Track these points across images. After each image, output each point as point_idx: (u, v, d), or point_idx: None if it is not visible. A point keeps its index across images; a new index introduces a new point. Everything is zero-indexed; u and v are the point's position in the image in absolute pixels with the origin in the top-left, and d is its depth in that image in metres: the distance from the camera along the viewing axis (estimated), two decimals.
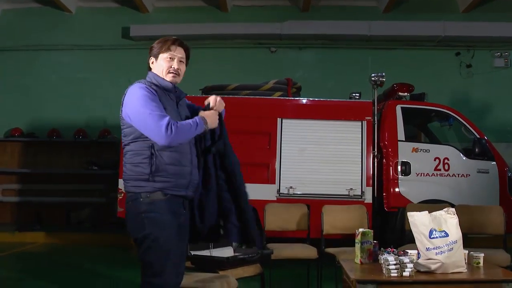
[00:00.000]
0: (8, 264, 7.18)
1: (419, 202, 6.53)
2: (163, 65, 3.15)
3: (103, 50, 10.40)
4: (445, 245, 3.42)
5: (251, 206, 3.37)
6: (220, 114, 3.26)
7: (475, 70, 10.03)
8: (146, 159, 2.99)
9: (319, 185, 6.80)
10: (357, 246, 3.88)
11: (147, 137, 2.97)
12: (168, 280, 2.97)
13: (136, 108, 2.98)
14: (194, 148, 3.19)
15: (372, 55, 9.75)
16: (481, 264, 3.72)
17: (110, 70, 10.25)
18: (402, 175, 6.80)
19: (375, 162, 6.84)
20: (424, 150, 6.93)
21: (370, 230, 3.95)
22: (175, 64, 3.15)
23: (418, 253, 3.57)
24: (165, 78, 3.15)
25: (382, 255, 3.51)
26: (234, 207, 3.27)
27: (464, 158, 6.93)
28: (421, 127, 8.16)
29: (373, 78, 6.94)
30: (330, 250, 5.29)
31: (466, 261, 3.63)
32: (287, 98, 7.23)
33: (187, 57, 3.26)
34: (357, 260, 3.86)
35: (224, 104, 3.31)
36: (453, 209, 3.57)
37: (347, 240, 5.21)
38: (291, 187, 6.81)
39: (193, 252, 4.00)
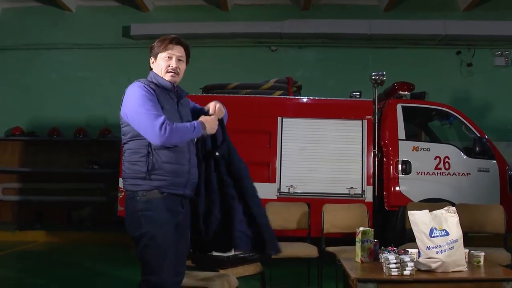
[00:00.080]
0: (9, 263, 7.19)
1: (420, 201, 6.52)
2: (162, 65, 3.16)
3: (103, 49, 10.40)
4: (445, 244, 3.42)
5: (264, 210, 3.32)
6: (221, 120, 3.26)
7: (475, 69, 10.02)
8: (143, 158, 3.00)
9: (320, 184, 6.80)
10: (358, 245, 3.88)
11: None
12: (166, 278, 2.97)
13: (133, 107, 3.00)
14: (193, 147, 3.19)
15: (372, 54, 9.75)
16: (482, 263, 3.73)
17: (110, 69, 10.25)
18: (402, 174, 6.80)
19: (376, 161, 6.83)
20: (424, 149, 6.92)
21: (370, 229, 3.94)
22: (173, 63, 3.15)
23: (419, 252, 3.57)
24: (164, 77, 3.16)
25: (382, 254, 3.51)
26: (243, 213, 3.20)
27: (464, 157, 6.92)
28: (422, 126, 8.16)
29: (373, 77, 6.93)
30: (331, 249, 5.29)
31: (467, 260, 3.63)
32: (287, 97, 7.22)
33: (187, 55, 3.25)
34: (358, 259, 3.86)
35: (224, 111, 3.30)
36: (454, 208, 3.57)
37: (348, 239, 5.22)
38: (291, 186, 6.81)
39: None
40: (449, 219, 3.49)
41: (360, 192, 6.76)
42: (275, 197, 6.68)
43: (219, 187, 3.21)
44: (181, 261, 3.20)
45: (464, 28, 9.80)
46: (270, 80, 7.40)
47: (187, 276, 3.43)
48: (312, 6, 10.29)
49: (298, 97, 7.32)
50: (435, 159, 6.85)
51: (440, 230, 3.45)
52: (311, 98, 7.21)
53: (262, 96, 7.17)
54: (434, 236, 3.44)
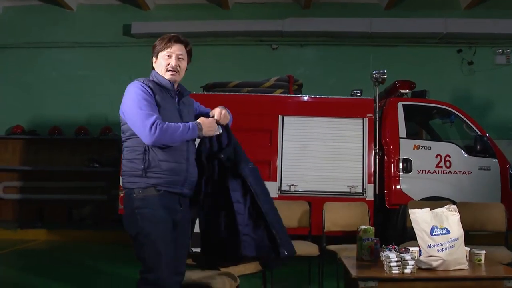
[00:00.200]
0: (10, 261, 7.19)
1: (421, 199, 6.52)
2: (162, 63, 3.17)
3: (104, 47, 10.39)
4: (446, 242, 3.42)
5: (275, 208, 3.27)
6: (227, 125, 3.26)
7: (476, 67, 10.01)
8: (140, 155, 3.01)
9: (321, 182, 6.80)
10: (359, 243, 3.89)
11: None
12: (164, 276, 2.97)
13: (129, 106, 3.03)
14: (193, 146, 3.19)
15: (373, 52, 9.75)
16: (483, 261, 3.73)
17: (111, 68, 10.25)
18: (403, 172, 6.79)
19: (377, 159, 6.83)
20: (425, 147, 6.92)
21: (371, 227, 3.95)
22: (172, 62, 3.15)
23: (420, 250, 3.57)
24: (164, 76, 3.16)
25: (383, 252, 3.51)
26: (248, 216, 3.15)
27: (465, 155, 6.92)
28: (423, 124, 8.15)
29: (374, 75, 6.93)
30: (332, 247, 5.29)
31: (468, 258, 3.63)
32: (288, 95, 7.22)
33: (188, 53, 3.25)
34: (359, 257, 3.86)
35: (229, 118, 3.29)
36: (455, 206, 3.57)
37: (349, 237, 5.23)
38: (292, 184, 6.81)
39: (194, 250, 4.00)
40: (450, 217, 3.49)
41: (361, 191, 6.76)
42: (276, 196, 6.67)
43: (224, 191, 3.17)
44: (180, 260, 3.20)
45: (465, 26, 9.78)
46: (271, 78, 7.39)
47: (188, 274, 3.43)
48: (313, 4, 10.28)
49: (299, 95, 7.32)
50: (436, 157, 6.85)
51: (441, 229, 3.45)
52: (312, 96, 7.20)
53: (263, 94, 7.16)
54: (435, 235, 3.44)
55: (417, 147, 6.90)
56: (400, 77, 7.47)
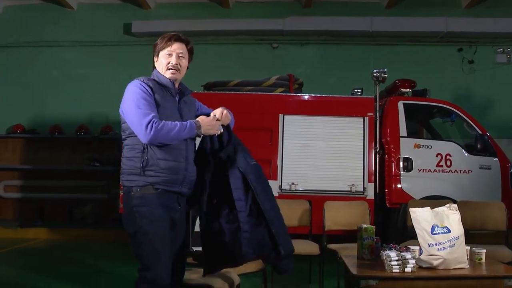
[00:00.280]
0: (10, 260, 7.19)
1: (421, 198, 6.51)
2: (163, 62, 3.18)
3: (104, 46, 10.39)
4: (447, 241, 3.42)
5: (276, 206, 3.22)
6: (228, 126, 3.24)
7: (477, 66, 10.00)
8: (139, 153, 3.03)
9: (321, 181, 6.80)
10: (359, 242, 3.89)
11: None
12: (162, 274, 2.97)
13: (127, 105, 3.05)
14: (192, 145, 3.19)
15: (374, 51, 9.73)
16: (483, 260, 3.72)
17: (112, 67, 10.25)
18: (404, 171, 6.79)
19: (377, 158, 6.83)
20: (426, 146, 6.92)
21: (372, 226, 3.95)
22: (173, 60, 3.16)
23: (420, 249, 3.57)
24: (165, 74, 3.16)
25: (384, 251, 3.51)
26: (248, 214, 3.08)
27: (466, 154, 6.91)
28: (423, 123, 8.15)
29: (375, 74, 6.92)
30: (332, 246, 5.29)
31: (468, 257, 3.63)
32: (289, 94, 7.21)
33: (189, 52, 3.25)
34: (359, 256, 3.86)
35: (230, 118, 3.28)
36: (455, 205, 3.57)
37: (349, 236, 5.23)
38: (293, 183, 6.81)
39: (194, 248, 3.99)
40: (451, 216, 3.49)
41: (362, 190, 6.76)
42: (277, 194, 6.66)
43: (225, 189, 3.12)
44: (180, 258, 3.20)
45: (466, 25, 9.77)
46: (271, 77, 7.39)
47: (188, 273, 3.43)
48: (314, 3, 10.27)
49: (299, 94, 7.31)
50: (436, 156, 6.85)
51: (441, 227, 3.45)
52: (313, 95, 7.20)
53: (264, 93, 7.16)
54: (435, 233, 3.44)
55: (417, 146, 6.90)
56: (400, 76, 7.46)
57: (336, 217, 5.72)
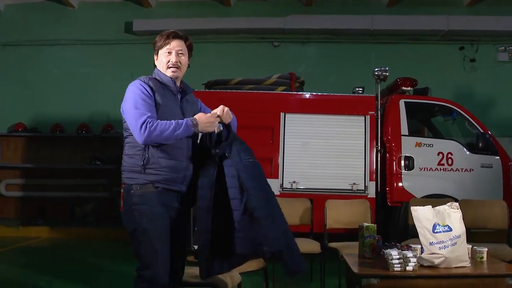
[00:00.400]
0: (12, 258, 7.21)
1: (423, 197, 6.51)
2: (163, 61, 3.18)
3: (106, 45, 10.39)
4: (448, 240, 3.42)
5: (270, 205, 3.09)
6: (228, 125, 3.21)
7: (479, 65, 9.98)
8: (140, 151, 3.03)
9: (322, 179, 6.80)
10: (361, 240, 3.88)
11: None
12: (160, 273, 2.97)
13: (126, 104, 3.06)
14: (194, 143, 3.18)
15: (375, 49, 9.72)
16: (485, 258, 3.72)
17: (113, 65, 10.25)
18: (405, 170, 6.79)
19: (379, 157, 6.83)
20: (427, 145, 6.91)
21: (373, 224, 3.95)
22: (173, 58, 3.15)
23: (422, 248, 3.57)
24: (166, 73, 3.16)
25: (385, 249, 3.50)
26: (243, 213, 3.00)
27: (467, 152, 6.91)
28: (425, 122, 8.14)
29: (376, 73, 6.92)
30: (333, 244, 5.29)
31: (470, 255, 3.63)
32: (290, 92, 7.21)
33: (189, 48, 3.24)
34: (361, 254, 3.86)
35: (231, 116, 3.24)
36: (457, 204, 3.57)
37: (350, 234, 5.22)
38: (294, 182, 6.81)
39: (195, 247, 3.99)
40: (452, 214, 3.49)
41: (363, 188, 6.76)
42: (278, 193, 6.67)
43: (221, 189, 3.06)
44: (179, 257, 3.20)
45: (467, 23, 9.75)
46: (272, 76, 7.39)
47: (189, 271, 3.43)
48: (315, 2, 10.26)
49: (300, 93, 7.31)
50: (438, 155, 6.85)
51: (443, 226, 3.45)
52: (314, 94, 7.20)
53: (265, 91, 7.16)
54: (437, 232, 3.44)
55: (419, 144, 6.89)
56: (402, 74, 7.45)
57: (337, 215, 5.71)
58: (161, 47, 3.18)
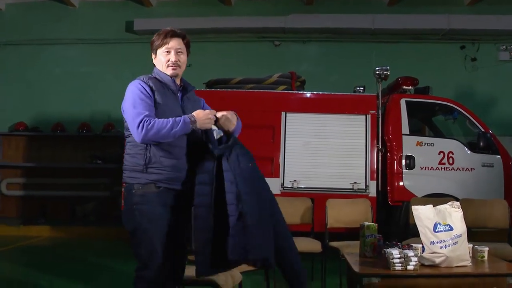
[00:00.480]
0: (13, 257, 7.21)
1: (424, 196, 6.51)
2: (162, 60, 3.17)
3: (107, 44, 10.39)
4: (449, 239, 3.41)
5: (261, 212, 3.04)
6: (228, 131, 3.14)
7: (480, 64, 9.97)
8: (141, 150, 3.03)
9: (323, 178, 6.80)
10: (361, 239, 3.88)
11: None
12: (159, 273, 2.97)
13: (125, 104, 3.06)
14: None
15: (376, 48, 9.70)
16: (486, 258, 3.71)
17: (114, 64, 10.25)
18: (406, 169, 6.79)
19: (379, 156, 6.83)
20: (428, 144, 6.92)
21: (374, 223, 3.94)
22: (172, 57, 3.15)
23: (423, 247, 3.57)
24: (166, 72, 3.16)
25: (386, 248, 3.50)
26: (237, 218, 2.95)
27: (468, 152, 6.91)
28: (426, 121, 8.14)
29: (377, 72, 6.92)
30: (334, 243, 5.29)
31: (471, 254, 3.62)
32: (291, 91, 7.21)
33: (187, 46, 3.23)
34: (361, 253, 3.85)
35: (234, 123, 3.15)
36: (458, 203, 3.56)
37: (351, 233, 5.22)
38: (295, 181, 6.81)
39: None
40: (453, 214, 3.48)
41: (364, 187, 6.76)
42: (279, 192, 6.68)
43: (220, 187, 3.02)
44: (180, 256, 3.20)
45: (468, 22, 9.74)
46: (273, 75, 7.39)
47: (189, 271, 3.42)
48: (316, 1, 10.25)
49: (301, 92, 7.31)
50: (439, 154, 6.85)
51: (444, 225, 3.45)
52: (315, 93, 7.20)
53: (266, 91, 7.16)
54: (438, 231, 3.43)
55: (420, 143, 6.89)
56: (403, 73, 7.46)
57: (338, 214, 5.71)
58: (159, 46, 3.17)
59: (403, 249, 3.44)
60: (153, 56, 3.24)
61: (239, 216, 2.95)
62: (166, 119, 2.95)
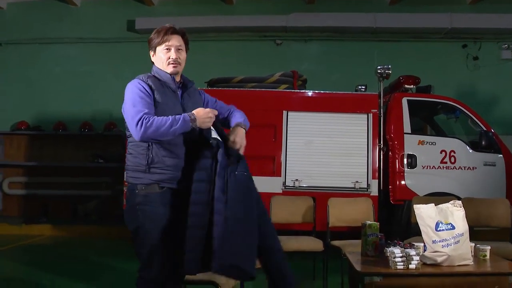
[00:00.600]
0: (15, 256, 7.22)
1: (425, 195, 6.51)
2: (162, 57, 3.15)
3: (108, 43, 10.40)
4: (451, 238, 3.41)
5: (244, 219, 2.97)
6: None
7: (482, 62, 9.96)
8: (144, 150, 3.02)
9: (325, 177, 6.79)
10: (363, 238, 3.88)
11: None
12: (161, 273, 2.97)
13: (124, 103, 3.05)
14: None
15: (378, 47, 9.70)
16: (488, 256, 3.71)
17: (115, 63, 10.26)
18: (408, 168, 6.78)
19: (381, 155, 6.82)
20: (430, 143, 6.90)
21: (376, 222, 3.94)
22: (172, 54, 3.13)
23: (424, 246, 3.56)
24: (166, 69, 3.14)
25: (388, 247, 3.50)
26: (222, 226, 2.91)
27: (470, 150, 6.89)
28: (427, 120, 8.13)
29: (379, 71, 6.90)
30: (336, 242, 5.28)
31: (473, 253, 3.62)
32: (292, 90, 7.20)
33: (186, 43, 3.22)
34: (363, 252, 3.85)
35: (242, 144, 3.13)
36: (460, 202, 3.56)
37: (353, 232, 5.22)
38: (296, 180, 6.80)
39: None
40: (455, 213, 3.48)
41: (366, 186, 6.75)
42: (280, 191, 6.68)
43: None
44: (181, 256, 3.19)
45: (470, 21, 9.73)
46: (275, 74, 7.38)
47: None
48: (317, 0, 10.24)
49: (303, 91, 7.30)
50: (440, 153, 6.83)
51: (446, 224, 3.44)
52: (317, 92, 7.19)
53: (267, 90, 7.15)
54: (440, 230, 3.43)
55: (421, 142, 6.88)
56: (404, 72, 7.45)
57: (340, 213, 5.71)
58: (159, 43, 3.14)
59: (405, 248, 3.44)
60: (152, 54, 3.21)
61: (224, 220, 2.92)
62: (165, 117, 2.93)
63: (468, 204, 4.61)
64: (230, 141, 3.12)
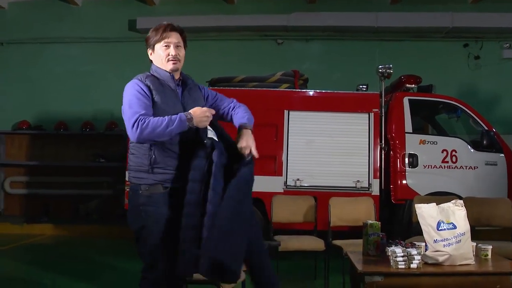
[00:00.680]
0: (17, 256, 7.23)
1: (427, 194, 6.50)
2: (161, 55, 3.13)
3: (109, 42, 10.40)
4: (453, 237, 3.41)
5: (235, 219, 2.90)
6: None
7: (483, 62, 9.95)
8: (146, 151, 3.01)
9: (326, 177, 6.78)
10: (365, 238, 3.88)
11: None
12: (163, 273, 2.97)
13: (123, 104, 3.03)
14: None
15: (379, 46, 9.71)
16: (489, 256, 3.71)
17: (116, 63, 10.25)
18: (409, 167, 6.77)
19: (383, 154, 6.81)
20: (431, 142, 6.90)
21: (377, 222, 3.93)
22: (172, 51, 3.11)
23: (426, 245, 3.56)
24: (166, 67, 3.13)
25: (389, 247, 3.50)
26: (209, 228, 2.87)
27: (472, 150, 6.88)
28: (429, 119, 8.12)
29: (380, 70, 6.90)
30: (337, 242, 5.29)
31: (474, 253, 3.62)
32: (294, 90, 7.20)
33: (184, 40, 3.20)
34: (365, 252, 3.85)
35: (248, 148, 3.11)
36: (461, 201, 3.56)
37: (354, 232, 5.23)
38: (298, 179, 6.79)
39: None
40: (457, 212, 3.48)
41: (367, 186, 6.74)
42: (282, 190, 6.67)
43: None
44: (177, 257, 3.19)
45: (472, 20, 9.72)
46: (276, 73, 7.37)
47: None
48: None
49: (304, 90, 7.30)
50: (442, 152, 6.83)
51: (447, 224, 3.44)
52: (318, 91, 7.18)
53: (269, 89, 7.14)
54: (441, 230, 3.43)
55: (423, 142, 6.88)
56: (406, 71, 7.44)
57: (341, 213, 5.71)
58: (158, 41, 3.12)
59: (406, 248, 3.43)
60: (150, 52, 3.19)
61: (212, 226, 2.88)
62: (161, 117, 2.90)
63: (470, 204, 4.61)
64: (239, 148, 3.07)
